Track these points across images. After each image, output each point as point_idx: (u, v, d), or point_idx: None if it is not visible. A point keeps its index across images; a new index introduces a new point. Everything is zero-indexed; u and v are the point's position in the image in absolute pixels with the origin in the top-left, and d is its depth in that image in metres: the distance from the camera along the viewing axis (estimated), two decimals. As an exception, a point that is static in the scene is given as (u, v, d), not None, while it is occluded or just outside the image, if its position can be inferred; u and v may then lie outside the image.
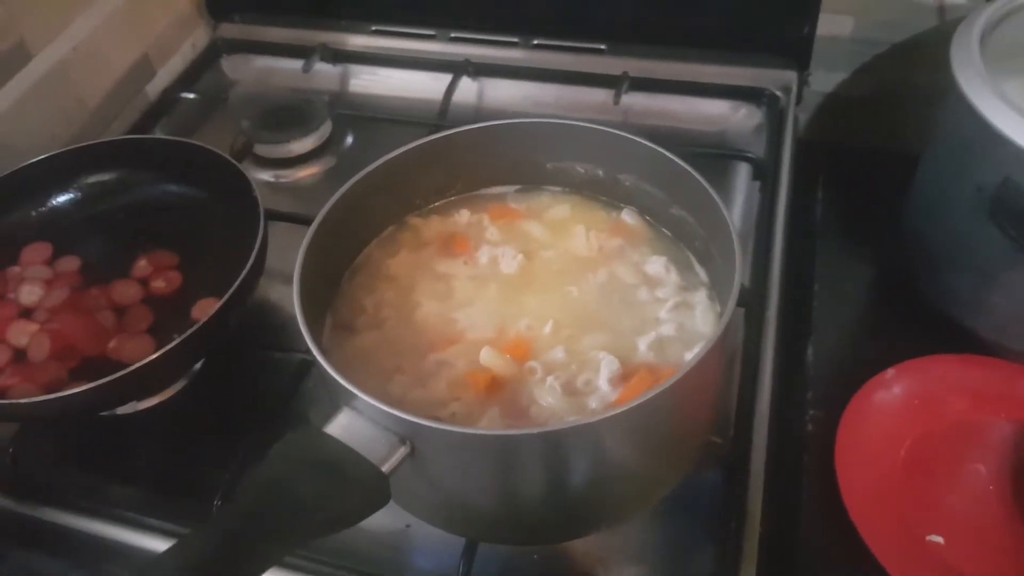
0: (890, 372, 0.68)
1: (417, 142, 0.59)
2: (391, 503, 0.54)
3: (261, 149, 0.89)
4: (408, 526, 0.61)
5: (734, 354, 0.67)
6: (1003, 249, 0.67)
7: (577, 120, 0.60)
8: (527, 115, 0.74)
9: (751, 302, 0.69)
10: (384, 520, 0.59)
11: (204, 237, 0.74)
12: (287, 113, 0.90)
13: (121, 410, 0.69)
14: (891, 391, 0.68)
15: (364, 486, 0.44)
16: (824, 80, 0.94)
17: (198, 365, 0.72)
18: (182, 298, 0.70)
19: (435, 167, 0.62)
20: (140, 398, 0.68)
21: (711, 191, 0.52)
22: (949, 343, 0.70)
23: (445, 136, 0.60)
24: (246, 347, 0.72)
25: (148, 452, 0.69)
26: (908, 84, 0.90)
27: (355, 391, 0.45)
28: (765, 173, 0.79)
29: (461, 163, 0.63)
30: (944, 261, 0.74)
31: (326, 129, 0.90)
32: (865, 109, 0.94)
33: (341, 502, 0.43)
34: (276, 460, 0.44)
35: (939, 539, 0.61)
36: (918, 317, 0.75)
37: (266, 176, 0.88)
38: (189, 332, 0.60)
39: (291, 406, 0.67)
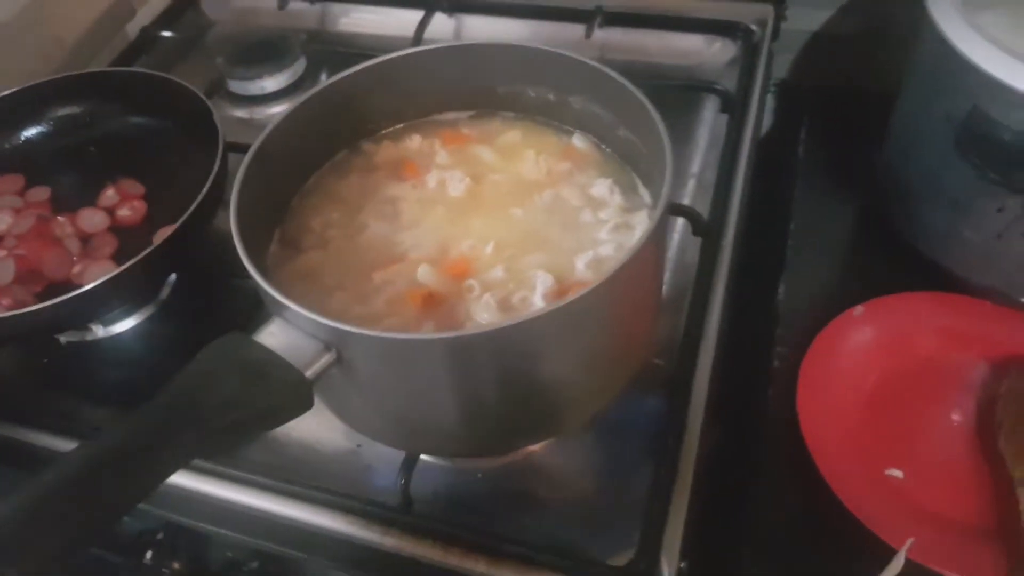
0: (859, 309, 0.68)
1: (362, 64, 0.59)
2: (339, 423, 0.56)
3: (235, 86, 0.89)
4: (359, 446, 0.62)
5: (686, 284, 0.67)
6: (971, 181, 0.66)
7: (526, 43, 0.60)
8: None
9: (709, 232, 0.69)
10: (336, 439, 0.63)
11: (170, 168, 0.76)
12: (262, 50, 0.90)
13: (90, 336, 0.71)
14: (859, 328, 0.68)
15: (286, 389, 0.45)
16: (809, 18, 0.92)
17: (166, 293, 0.73)
18: (146, 226, 0.72)
19: (385, 91, 0.62)
20: (104, 320, 0.70)
21: (646, 102, 0.52)
22: (923, 281, 0.70)
23: (392, 58, 0.60)
24: (212, 275, 0.73)
25: (115, 374, 0.71)
26: (892, 21, 0.88)
27: (282, 299, 0.46)
28: (733, 106, 0.78)
29: (412, 87, 0.63)
30: (917, 196, 0.73)
31: (300, 66, 0.90)
32: (849, 48, 0.93)
33: (261, 402, 0.44)
34: (202, 361, 0.45)
35: (898, 473, 0.61)
36: (894, 255, 0.75)
37: (240, 113, 0.89)
38: (142, 255, 0.62)
39: (251, 329, 0.68)
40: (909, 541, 0.55)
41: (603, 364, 0.52)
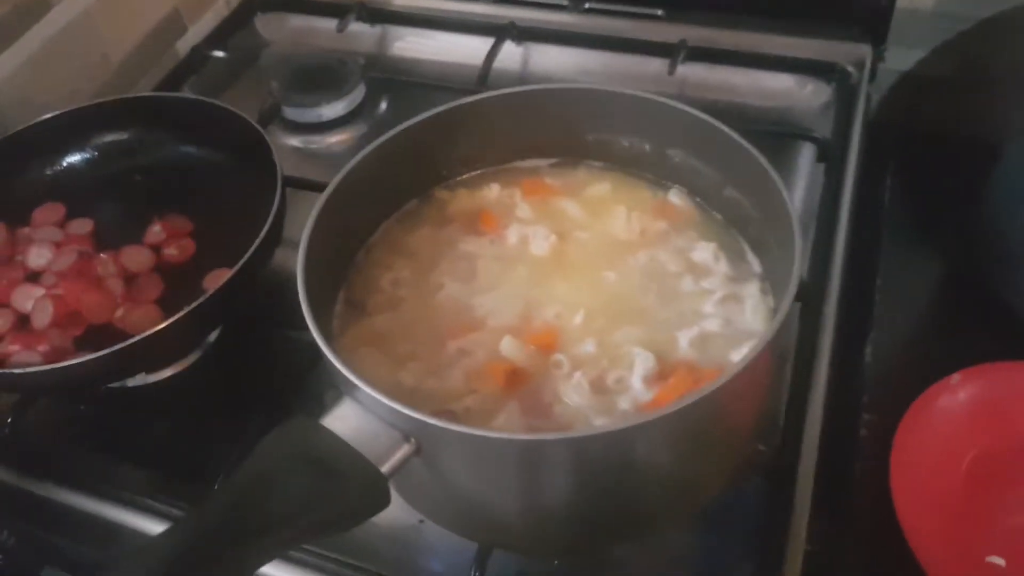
0: (955, 377, 0.62)
1: (441, 107, 0.54)
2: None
3: (290, 113, 0.84)
4: (421, 522, 0.56)
5: (786, 353, 0.60)
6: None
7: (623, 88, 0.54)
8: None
9: (809, 297, 0.63)
10: (397, 514, 0.56)
11: (221, 203, 0.71)
12: (319, 75, 0.85)
13: (131, 382, 0.66)
14: (956, 398, 0.62)
15: (361, 487, 0.40)
16: (901, 57, 0.87)
17: (213, 336, 0.68)
18: (195, 267, 0.67)
19: (463, 136, 0.57)
20: (148, 370, 0.65)
21: (770, 170, 0.46)
22: (1022, 348, 0.63)
23: (473, 102, 0.55)
24: (263, 321, 0.68)
25: (155, 428, 0.66)
26: (994, 64, 0.82)
27: (356, 381, 0.41)
28: (831, 155, 0.72)
29: (492, 132, 0.58)
30: (1019, 258, 0.67)
31: (359, 93, 0.85)
32: (945, 90, 0.87)
33: (334, 504, 0.39)
34: (265, 454, 0.40)
35: (1000, 561, 0.55)
36: (990, 319, 0.68)
37: (295, 142, 0.84)
38: (195, 304, 0.56)
39: (305, 387, 0.63)
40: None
41: (709, 462, 0.47)
